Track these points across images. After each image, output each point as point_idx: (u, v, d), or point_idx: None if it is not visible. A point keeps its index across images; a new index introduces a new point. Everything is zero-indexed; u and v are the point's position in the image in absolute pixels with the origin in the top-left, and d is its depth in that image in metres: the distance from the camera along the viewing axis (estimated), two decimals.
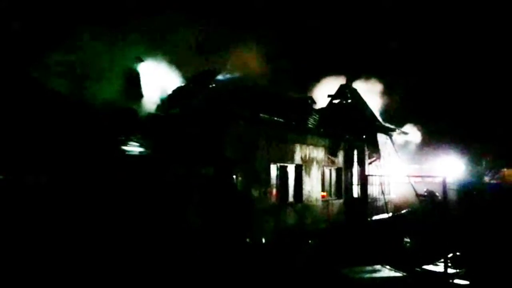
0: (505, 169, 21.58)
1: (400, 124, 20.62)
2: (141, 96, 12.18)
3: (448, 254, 10.93)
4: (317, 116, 16.22)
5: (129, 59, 12.62)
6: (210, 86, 12.45)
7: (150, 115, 11.83)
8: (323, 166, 15.60)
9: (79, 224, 8.38)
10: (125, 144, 10.26)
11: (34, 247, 7.84)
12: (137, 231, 8.70)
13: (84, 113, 10.46)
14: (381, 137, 18.20)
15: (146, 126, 11.31)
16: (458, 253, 10.96)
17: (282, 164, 13.47)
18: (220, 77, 13.52)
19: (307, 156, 14.75)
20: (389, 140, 19.19)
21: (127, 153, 9.86)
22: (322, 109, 17.28)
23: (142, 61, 12.74)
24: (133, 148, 10.35)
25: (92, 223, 8.39)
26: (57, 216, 8.27)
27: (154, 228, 8.91)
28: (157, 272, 8.65)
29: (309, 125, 15.45)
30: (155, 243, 8.80)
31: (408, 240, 13.73)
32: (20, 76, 10.70)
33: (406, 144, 21.34)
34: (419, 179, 18.18)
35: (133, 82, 12.38)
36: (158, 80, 12.74)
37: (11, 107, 9.38)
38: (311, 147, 15.00)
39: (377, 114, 18.91)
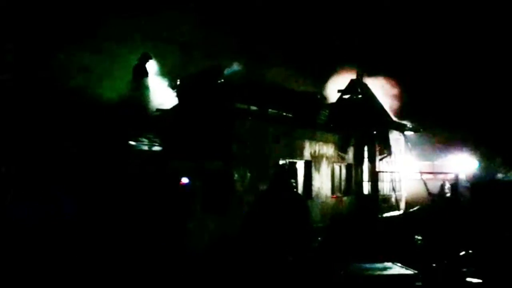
0: None
1: (412, 121, 20.35)
2: (148, 92, 12.32)
3: (460, 252, 10.74)
4: (327, 111, 16.06)
5: (137, 55, 12.81)
6: (218, 81, 12.47)
7: (158, 111, 11.89)
8: (333, 163, 15.44)
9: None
10: (135, 140, 10.39)
11: None
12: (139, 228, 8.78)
13: (95, 109, 10.60)
14: (392, 133, 17.98)
15: (154, 122, 11.39)
16: (470, 251, 10.79)
17: (291, 160, 13.35)
18: (226, 72, 13.49)
19: (317, 152, 14.60)
20: (401, 137, 18.95)
21: (134, 148, 10.00)
22: (332, 104, 17.13)
23: (150, 58, 12.93)
24: (142, 144, 10.48)
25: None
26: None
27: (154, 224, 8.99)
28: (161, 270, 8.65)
29: (319, 121, 15.31)
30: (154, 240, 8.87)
31: (419, 237, 13.55)
32: (28, 77, 10.91)
33: (418, 140, 21.07)
34: (431, 176, 17.94)
35: (141, 79, 12.57)
36: (165, 76, 12.87)
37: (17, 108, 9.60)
38: (320, 143, 14.85)
39: (388, 110, 18.66)
